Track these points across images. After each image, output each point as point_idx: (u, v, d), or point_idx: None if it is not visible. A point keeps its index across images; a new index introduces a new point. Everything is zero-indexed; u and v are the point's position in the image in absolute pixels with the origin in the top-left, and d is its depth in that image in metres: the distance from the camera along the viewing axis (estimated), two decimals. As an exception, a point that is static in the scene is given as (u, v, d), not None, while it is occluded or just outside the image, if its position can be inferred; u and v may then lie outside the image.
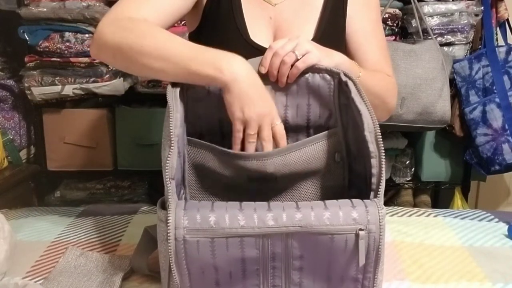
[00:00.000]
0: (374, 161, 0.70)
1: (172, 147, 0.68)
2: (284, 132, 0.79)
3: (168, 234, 0.65)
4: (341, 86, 0.79)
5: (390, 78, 1.02)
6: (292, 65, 0.78)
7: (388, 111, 1.01)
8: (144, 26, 0.84)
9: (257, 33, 0.98)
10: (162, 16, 0.91)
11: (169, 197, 0.67)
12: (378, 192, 0.69)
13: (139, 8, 0.89)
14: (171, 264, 0.66)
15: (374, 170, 0.70)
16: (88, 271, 0.91)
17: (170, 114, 0.71)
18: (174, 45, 0.80)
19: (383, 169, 0.69)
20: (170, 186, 0.67)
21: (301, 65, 0.78)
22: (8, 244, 0.90)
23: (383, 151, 0.70)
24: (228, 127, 0.81)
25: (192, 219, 0.65)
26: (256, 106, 0.76)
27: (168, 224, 0.65)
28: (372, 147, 0.70)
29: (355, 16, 1.02)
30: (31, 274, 0.92)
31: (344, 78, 0.77)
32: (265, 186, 0.82)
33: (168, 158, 0.68)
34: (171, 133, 0.69)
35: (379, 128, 0.71)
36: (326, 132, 0.82)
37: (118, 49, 0.83)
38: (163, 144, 0.70)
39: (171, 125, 0.70)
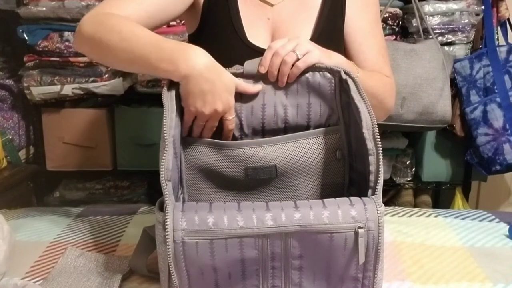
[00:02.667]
0: (372, 159, 0.71)
1: (166, 148, 0.68)
2: (232, 128, 0.80)
3: (167, 236, 0.65)
4: (342, 84, 0.79)
5: (388, 78, 1.02)
6: (292, 65, 0.78)
7: (385, 111, 1.01)
8: (114, 21, 0.85)
9: (255, 34, 0.97)
10: (145, 15, 0.91)
11: (166, 199, 0.66)
12: (376, 190, 0.70)
13: (121, 5, 0.90)
14: (170, 266, 0.66)
15: (372, 168, 0.71)
16: (88, 271, 0.91)
17: (165, 115, 0.71)
18: (137, 39, 0.81)
19: (381, 166, 0.70)
20: (167, 188, 0.67)
21: (302, 64, 0.78)
22: (7, 244, 0.89)
23: (381, 148, 0.70)
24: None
25: (190, 221, 0.65)
26: (207, 104, 0.76)
27: (166, 226, 0.65)
28: (370, 144, 0.71)
29: (353, 16, 1.02)
30: (30, 274, 0.91)
31: (344, 76, 0.77)
32: (264, 184, 0.82)
33: (162, 160, 0.68)
34: (165, 134, 0.69)
35: (377, 126, 0.71)
36: (325, 128, 0.82)
37: (91, 43, 0.86)
38: (160, 145, 0.70)
39: (164, 126, 0.70)
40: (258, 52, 0.89)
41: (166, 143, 0.69)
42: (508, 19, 1.78)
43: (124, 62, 0.83)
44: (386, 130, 1.84)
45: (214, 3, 0.98)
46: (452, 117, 1.73)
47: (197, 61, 0.75)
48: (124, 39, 0.81)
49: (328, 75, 0.79)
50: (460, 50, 1.79)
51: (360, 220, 0.67)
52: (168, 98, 0.74)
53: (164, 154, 0.68)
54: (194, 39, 1.02)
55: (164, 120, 0.70)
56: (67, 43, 1.71)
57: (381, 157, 0.70)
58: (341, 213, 0.67)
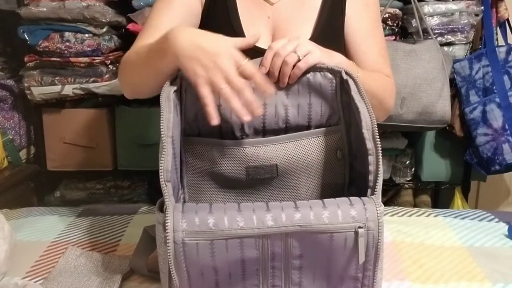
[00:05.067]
0: (371, 159, 0.71)
1: (165, 149, 0.68)
2: (253, 68, 0.75)
3: (167, 238, 0.65)
4: (343, 84, 0.79)
5: (388, 78, 1.02)
6: (293, 66, 0.78)
7: (385, 111, 1.01)
8: (126, 56, 0.92)
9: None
10: None
11: (166, 200, 0.67)
12: (375, 189, 0.70)
13: (144, 39, 0.93)
14: (170, 267, 0.66)
15: (371, 168, 0.71)
16: (88, 271, 0.91)
17: (162, 115, 0.71)
18: (141, 56, 0.86)
19: (380, 166, 0.70)
20: (166, 189, 0.67)
21: (303, 65, 0.78)
22: (8, 244, 0.90)
23: (380, 148, 0.70)
24: (227, 127, 0.81)
25: (190, 222, 0.65)
26: (206, 62, 0.72)
27: (166, 228, 0.65)
28: (369, 144, 0.71)
29: (354, 16, 1.02)
30: (31, 274, 0.92)
31: (345, 77, 0.78)
32: (264, 183, 0.82)
33: (161, 161, 0.68)
34: (163, 135, 0.69)
35: (376, 126, 0.72)
36: (326, 128, 0.82)
37: (126, 82, 0.94)
38: (159, 146, 0.70)
39: (162, 126, 0.70)
40: (259, 52, 0.89)
41: (164, 143, 0.69)
42: (508, 20, 1.78)
43: (147, 79, 0.86)
44: (386, 130, 1.84)
45: (213, 6, 0.98)
46: (452, 117, 1.73)
47: (177, 36, 0.75)
48: (134, 64, 0.88)
49: (329, 75, 0.79)
50: (460, 51, 1.79)
51: (360, 220, 0.67)
52: (166, 99, 0.74)
53: (163, 155, 0.68)
54: None
55: (161, 121, 0.70)
56: (67, 44, 1.71)
57: (380, 157, 0.70)
58: (341, 213, 0.67)
